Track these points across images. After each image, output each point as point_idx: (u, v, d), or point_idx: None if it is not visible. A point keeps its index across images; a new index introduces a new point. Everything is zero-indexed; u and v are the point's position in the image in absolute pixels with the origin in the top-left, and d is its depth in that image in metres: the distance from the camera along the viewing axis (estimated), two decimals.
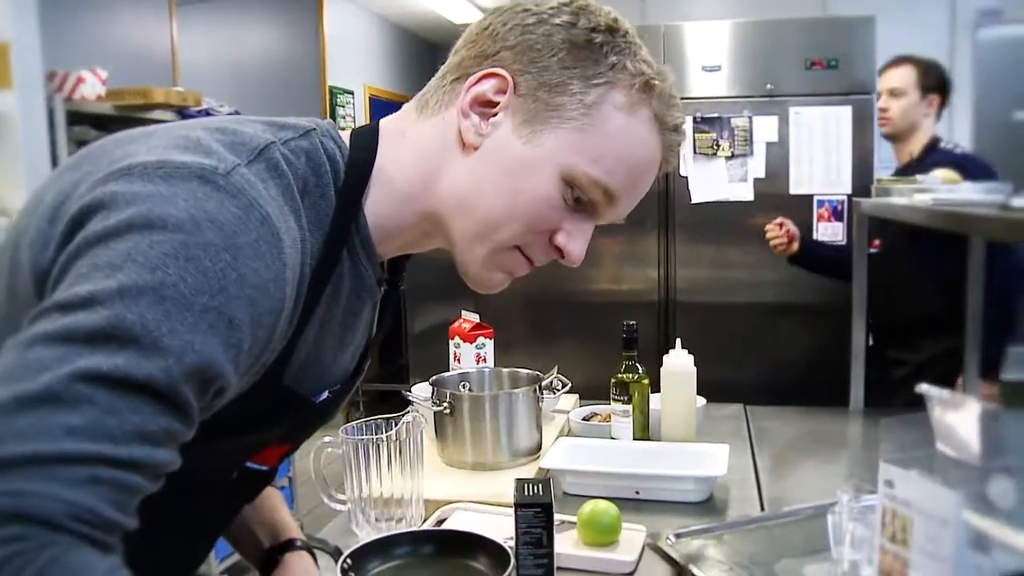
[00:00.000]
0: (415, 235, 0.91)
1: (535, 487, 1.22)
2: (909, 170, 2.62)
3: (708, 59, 3.32)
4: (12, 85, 3.19)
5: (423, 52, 8.09)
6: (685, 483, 1.56)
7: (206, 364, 0.67)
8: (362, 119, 6.64)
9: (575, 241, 0.88)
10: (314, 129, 0.86)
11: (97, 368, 0.62)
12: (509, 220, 0.86)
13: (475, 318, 2.18)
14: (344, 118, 6.27)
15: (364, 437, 1.48)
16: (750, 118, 3.26)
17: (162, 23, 4.87)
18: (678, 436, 1.82)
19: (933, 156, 2.63)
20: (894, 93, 2.71)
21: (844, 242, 3.12)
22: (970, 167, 2.47)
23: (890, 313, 2.67)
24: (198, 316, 0.66)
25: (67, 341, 0.63)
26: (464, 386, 1.83)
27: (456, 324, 2.17)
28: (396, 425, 1.49)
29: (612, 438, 1.80)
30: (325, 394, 0.94)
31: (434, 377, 1.88)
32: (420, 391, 1.98)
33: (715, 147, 3.28)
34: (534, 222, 0.86)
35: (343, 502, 1.45)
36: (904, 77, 2.71)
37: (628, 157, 0.86)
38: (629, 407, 1.77)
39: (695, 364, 1.85)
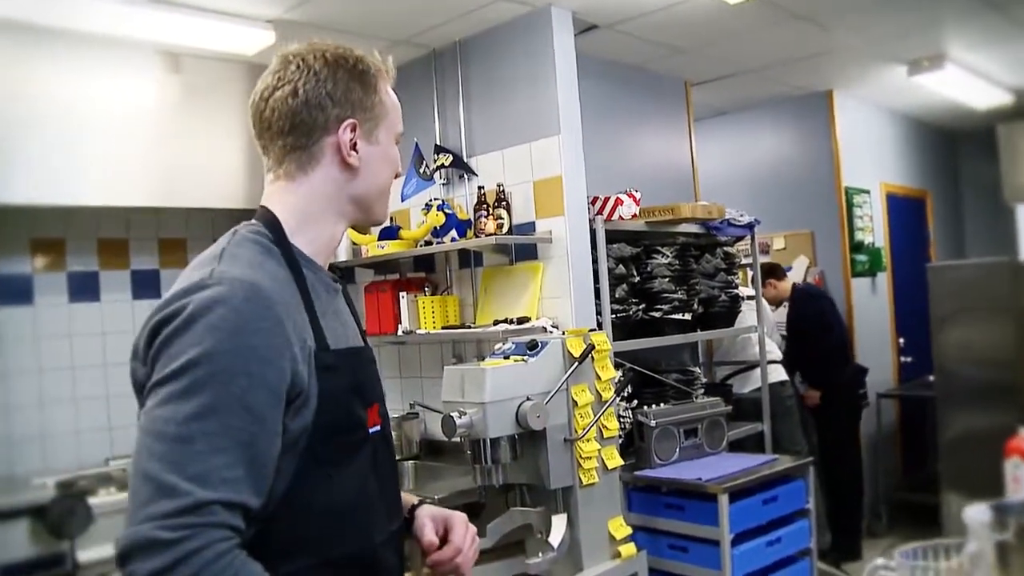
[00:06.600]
0: (329, 241, 1.43)
1: None
2: None
3: None
4: (563, 211, 3.64)
5: (940, 144, 7.64)
6: None
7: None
8: (880, 217, 6.42)
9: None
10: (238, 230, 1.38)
11: None
12: (390, 176, 1.48)
13: None
14: (861, 218, 6.11)
15: (923, 563, 1.42)
16: None
17: (682, 141, 5.23)
18: None
19: None
20: None
21: None
22: None
23: None
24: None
25: None
26: None
27: (1015, 442, 1.98)
28: (958, 554, 1.41)
29: None
30: (353, 343, 1.42)
31: (996, 502, 1.72)
32: (975, 513, 1.82)
33: None
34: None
35: None
36: None
37: (396, 106, 1.48)
38: None
39: None
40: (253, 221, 1.40)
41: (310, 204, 1.39)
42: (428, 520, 1.56)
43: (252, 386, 1.15)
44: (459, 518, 1.58)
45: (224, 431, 1.13)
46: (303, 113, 1.36)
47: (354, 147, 1.39)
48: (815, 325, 5.42)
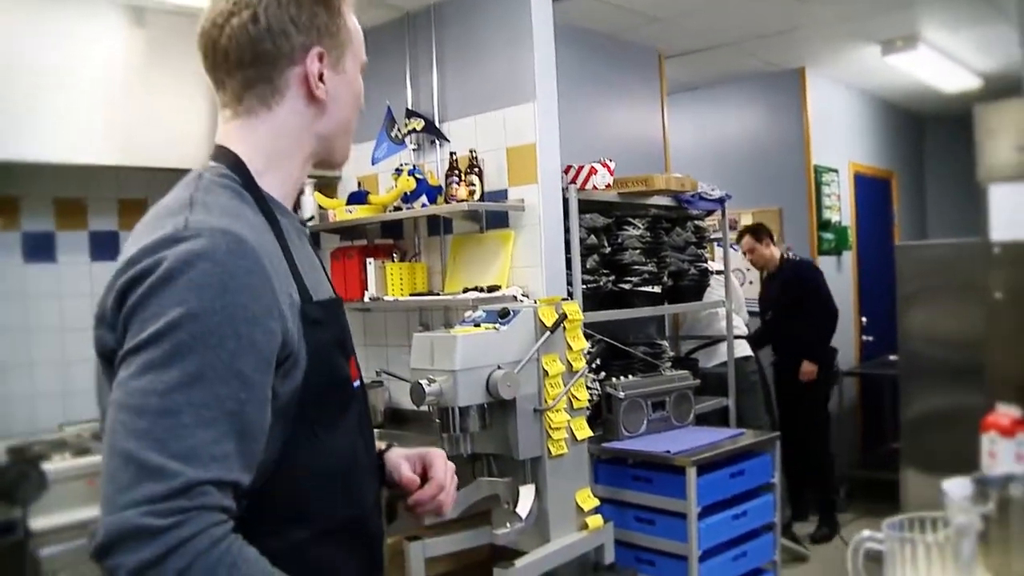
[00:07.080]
0: (295, 184, 1.33)
1: None
2: None
3: None
4: (537, 179, 3.58)
5: (907, 126, 7.69)
6: None
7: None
8: (847, 197, 6.44)
9: None
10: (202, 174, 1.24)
11: None
12: (356, 109, 1.36)
13: (1015, 412, 1.95)
14: (829, 197, 6.12)
15: (910, 535, 1.39)
16: None
17: (654, 114, 5.18)
18: None
19: None
20: None
21: None
22: None
23: None
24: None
25: None
26: (1018, 488, 1.64)
27: (992, 417, 1.97)
28: (945, 527, 1.38)
29: None
30: (329, 293, 1.32)
31: (977, 475, 1.71)
32: (955, 487, 1.81)
33: None
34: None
35: None
36: None
37: (360, 32, 1.36)
38: None
39: None
40: (214, 164, 1.25)
41: (277, 142, 1.27)
42: (403, 460, 1.47)
43: (241, 350, 1.03)
44: (437, 453, 1.49)
45: (212, 401, 1.00)
46: (266, 42, 1.22)
47: (321, 78, 1.26)
48: (815, 298, 5.34)
